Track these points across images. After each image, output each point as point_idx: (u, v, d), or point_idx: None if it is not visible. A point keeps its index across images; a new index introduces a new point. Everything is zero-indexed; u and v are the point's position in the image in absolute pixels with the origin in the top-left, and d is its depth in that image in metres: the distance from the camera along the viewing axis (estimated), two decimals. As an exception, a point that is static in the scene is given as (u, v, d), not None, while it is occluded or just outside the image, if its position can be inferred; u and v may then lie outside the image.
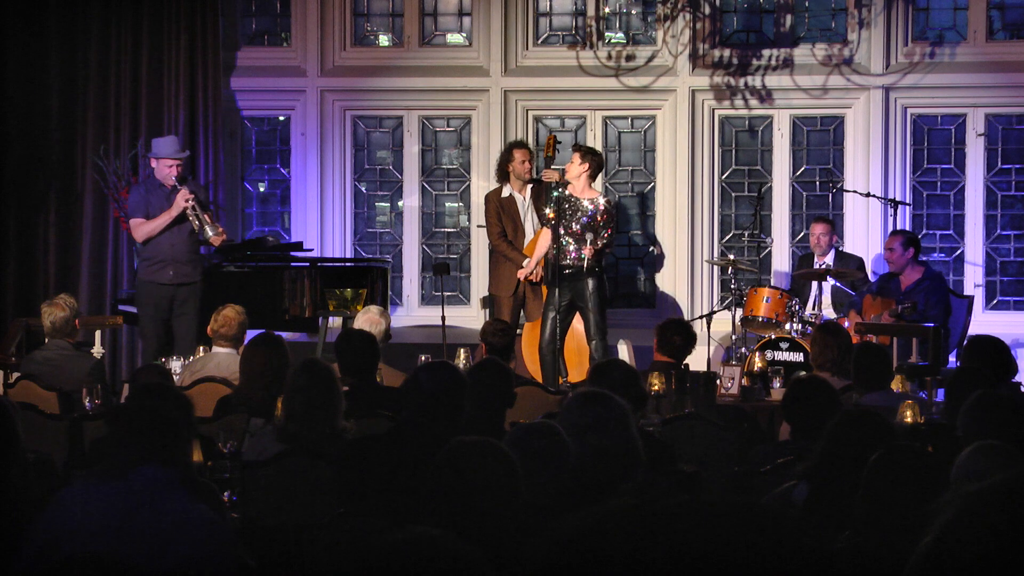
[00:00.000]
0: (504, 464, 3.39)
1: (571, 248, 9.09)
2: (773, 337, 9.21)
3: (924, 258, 9.98)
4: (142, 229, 9.15)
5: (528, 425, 4.07)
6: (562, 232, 9.06)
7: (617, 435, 4.14)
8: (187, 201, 9.02)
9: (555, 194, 9.08)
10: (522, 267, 9.75)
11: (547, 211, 9.10)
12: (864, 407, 5.18)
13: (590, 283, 9.04)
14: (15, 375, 7.71)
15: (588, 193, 9.18)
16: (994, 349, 6.80)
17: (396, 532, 1.74)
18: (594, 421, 4.12)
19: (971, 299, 10.13)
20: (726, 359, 9.87)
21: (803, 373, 8.31)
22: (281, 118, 11.28)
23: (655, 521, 1.47)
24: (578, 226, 9.05)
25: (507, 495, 3.36)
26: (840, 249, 10.41)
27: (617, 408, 4.23)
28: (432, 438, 4.47)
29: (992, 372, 6.29)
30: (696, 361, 8.48)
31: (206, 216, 9.12)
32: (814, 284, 9.92)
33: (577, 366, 9.22)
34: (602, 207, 9.11)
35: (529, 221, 10.04)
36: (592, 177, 9.24)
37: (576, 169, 9.14)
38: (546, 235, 9.26)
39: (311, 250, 10.49)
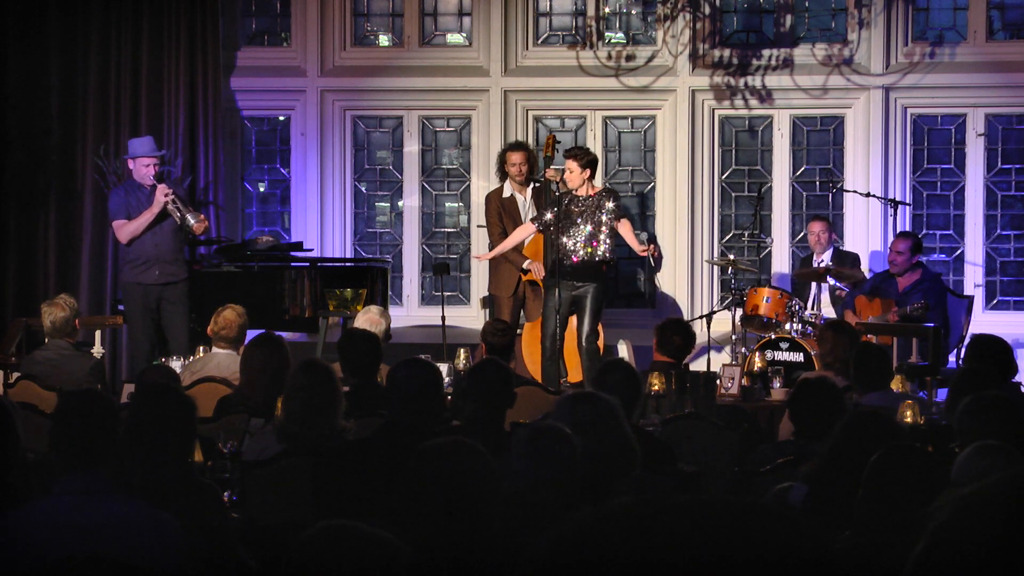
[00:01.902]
0: (477, 461, 3.38)
1: (579, 247, 9.04)
2: (773, 337, 9.21)
3: (923, 258, 9.96)
4: (126, 229, 9.15)
5: (534, 425, 4.07)
6: (567, 233, 9.04)
7: (609, 433, 4.15)
8: (166, 196, 9.04)
9: (557, 192, 9.08)
10: (523, 268, 9.75)
11: (548, 215, 9.07)
12: (871, 408, 5.16)
13: (593, 287, 9.03)
14: (15, 375, 7.71)
15: (590, 190, 9.17)
16: (998, 349, 6.78)
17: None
18: (584, 421, 4.12)
19: (971, 299, 10.11)
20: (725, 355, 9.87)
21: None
22: (281, 118, 11.28)
23: (655, 521, 1.47)
24: (590, 225, 9.04)
25: (483, 493, 3.35)
26: (838, 247, 10.41)
27: (606, 406, 4.24)
28: (417, 434, 4.47)
29: (996, 372, 6.27)
30: (696, 361, 8.48)
31: (188, 207, 9.16)
32: (814, 284, 9.91)
33: (577, 366, 9.21)
34: (610, 203, 9.09)
35: (530, 221, 10.04)
36: (592, 176, 9.24)
37: (578, 177, 9.10)
38: (526, 229, 9.30)
39: (311, 250, 10.49)
